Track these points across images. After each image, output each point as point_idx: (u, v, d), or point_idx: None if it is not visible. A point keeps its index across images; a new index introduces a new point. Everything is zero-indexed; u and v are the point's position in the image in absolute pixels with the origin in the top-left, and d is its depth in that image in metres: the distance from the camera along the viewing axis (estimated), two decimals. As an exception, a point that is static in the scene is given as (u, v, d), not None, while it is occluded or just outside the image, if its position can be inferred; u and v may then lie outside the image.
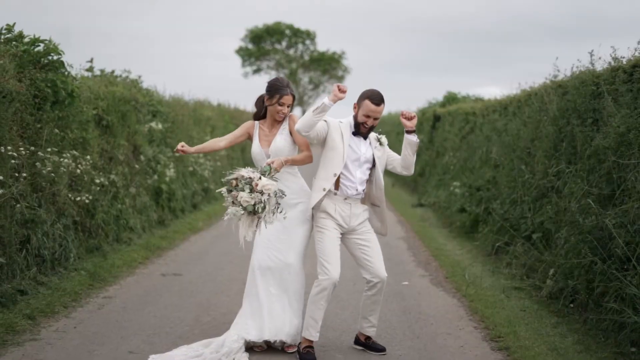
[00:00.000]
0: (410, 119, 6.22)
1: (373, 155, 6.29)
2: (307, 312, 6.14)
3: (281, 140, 6.40)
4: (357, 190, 6.23)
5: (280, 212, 5.97)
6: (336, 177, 6.14)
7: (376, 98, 6.16)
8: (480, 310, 7.75)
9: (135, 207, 11.92)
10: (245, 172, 5.92)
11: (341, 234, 6.25)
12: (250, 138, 6.61)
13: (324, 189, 6.14)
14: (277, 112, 6.40)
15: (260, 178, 5.86)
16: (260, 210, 5.86)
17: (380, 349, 6.37)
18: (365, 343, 6.44)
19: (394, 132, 27.30)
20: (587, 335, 6.76)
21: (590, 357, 6.17)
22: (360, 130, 6.22)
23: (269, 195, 5.85)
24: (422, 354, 6.36)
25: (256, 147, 6.48)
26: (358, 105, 6.23)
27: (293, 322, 6.26)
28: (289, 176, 6.39)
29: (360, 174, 6.23)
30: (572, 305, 7.54)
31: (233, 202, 5.92)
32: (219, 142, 6.74)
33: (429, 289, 8.97)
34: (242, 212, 5.90)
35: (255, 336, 6.21)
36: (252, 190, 5.83)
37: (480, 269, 9.78)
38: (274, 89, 6.40)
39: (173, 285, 8.85)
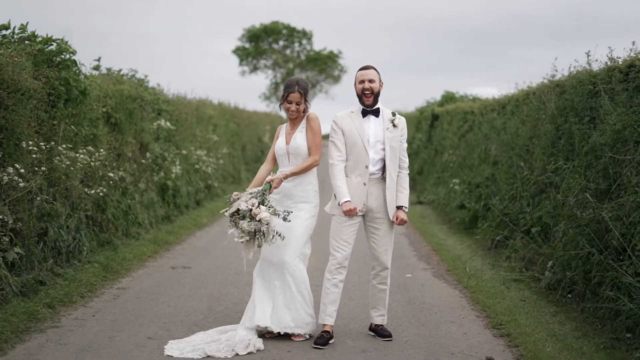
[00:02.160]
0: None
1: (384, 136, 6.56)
2: (321, 298, 6.54)
3: (300, 138, 6.66)
4: (367, 166, 6.50)
5: (279, 235, 6.27)
6: (369, 169, 6.46)
7: (363, 66, 6.64)
8: (482, 301, 8.05)
9: (142, 202, 12.20)
10: (245, 203, 6.21)
11: (363, 216, 6.58)
12: None
13: (364, 184, 6.48)
14: (286, 109, 6.69)
15: (259, 206, 6.18)
16: (260, 238, 6.19)
17: (386, 335, 6.68)
18: (374, 329, 6.78)
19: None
20: (585, 322, 7.08)
21: (587, 343, 6.47)
22: (365, 102, 6.53)
23: (267, 224, 6.16)
24: (428, 340, 6.66)
25: (280, 143, 6.75)
26: (354, 83, 6.64)
27: (298, 315, 6.53)
28: (305, 177, 6.68)
29: (373, 154, 6.51)
30: (570, 295, 7.84)
31: (235, 224, 6.26)
32: (265, 167, 6.86)
33: (431, 281, 9.27)
34: (245, 237, 6.20)
35: (261, 322, 6.48)
36: (252, 219, 6.16)
37: (480, 263, 10.09)
38: (285, 87, 6.72)
39: (183, 277, 9.13)
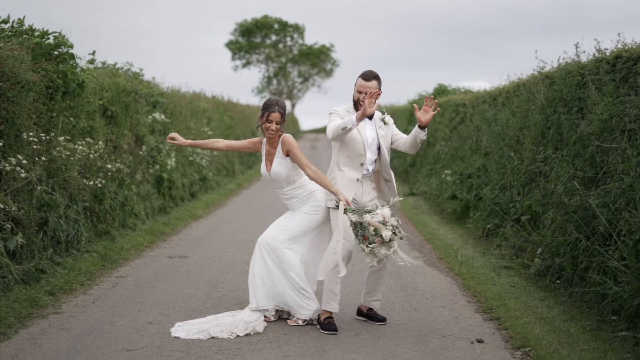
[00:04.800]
0: (429, 110, 6.62)
1: (377, 135, 6.74)
2: (326, 287, 6.67)
3: (277, 165, 6.83)
4: (368, 170, 6.70)
5: (398, 220, 6.46)
6: (364, 166, 6.62)
7: (366, 75, 6.64)
8: (473, 287, 8.25)
9: (139, 194, 12.35)
10: (372, 219, 6.25)
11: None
12: (258, 151, 7.12)
13: (358, 179, 6.63)
14: (266, 128, 6.83)
15: (375, 215, 6.29)
16: (399, 231, 6.33)
17: (381, 319, 6.87)
18: (367, 314, 6.95)
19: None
20: (572, 306, 7.28)
21: (575, 325, 6.68)
22: (359, 109, 6.60)
23: (391, 217, 6.34)
24: (420, 324, 6.85)
25: (262, 168, 6.99)
26: (354, 85, 6.71)
27: (288, 294, 6.72)
28: (296, 189, 6.90)
29: (370, 155, 6.68)
30: (558, 281, 8.05)
31: (382, 245, 6.27)
32: (218, 143, 7.34)
33: (423, 268, 9.46)
34: (395, 244, 6.29)
35: (254, 302, 6.72)
36: (385, 224, 6.26)
37: (471, 251, 10.30)
38: (264, 107, 6.86)
39: (180, 266, 9.30)
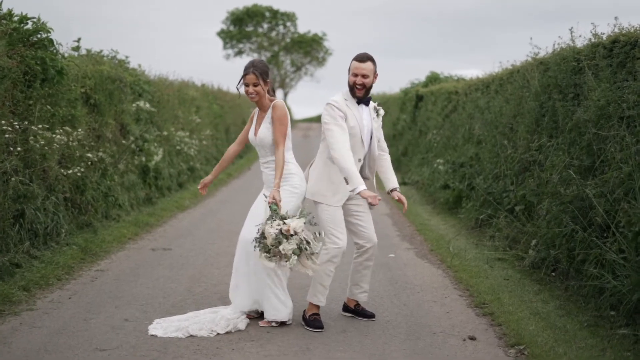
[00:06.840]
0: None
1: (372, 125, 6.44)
2: (315, 280, 6.30)
3: (264, 130, 6.45)
4: (360, 160, 6.40)
5: (319, 233, 6.03)
6: (361, 163, 6.33)
7: (360, 57, 6.35)
8: (465, 280, 7.97)
9: (123, 184, 12.04)
10: (270, 229, 5.79)
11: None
12: None
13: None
14: (246, 92, 6.48)
15: (284, 223, 5.81)
16: (307, 248, 5.84)
17: (369, 315, 6.58)
18: (354, 310, 6.65)
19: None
20: (569, 300, 7.01)
21: (571, 321, 6.41)
22: (356, 94, 6.32)
23: (302, 230, 5.84)
24: (410, 320, 6.57)
25: (251, 133, 6.62)
26: (348, 69, 6.40)
27: (266, 294, 6.31)
28: (272, 163, 6.50)
29: (366, 146, 6.40)
30: (553, 273, 7.78)
31: (278, 258, 5.83)
32: (233, 148, 6.94)
33: (414, 260, 9.19)
34: (294, 259, 5.81)
35: (243, 307, 6.42)
36: (287, 237, 5.77)
37: (464, 242, 10.03)
38: (243, 70, 6.50)
39: (163, 259, 9.01)
